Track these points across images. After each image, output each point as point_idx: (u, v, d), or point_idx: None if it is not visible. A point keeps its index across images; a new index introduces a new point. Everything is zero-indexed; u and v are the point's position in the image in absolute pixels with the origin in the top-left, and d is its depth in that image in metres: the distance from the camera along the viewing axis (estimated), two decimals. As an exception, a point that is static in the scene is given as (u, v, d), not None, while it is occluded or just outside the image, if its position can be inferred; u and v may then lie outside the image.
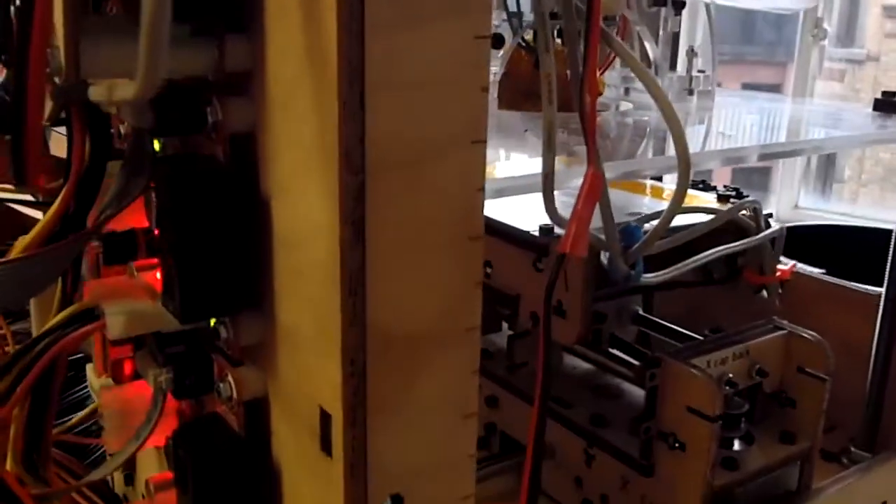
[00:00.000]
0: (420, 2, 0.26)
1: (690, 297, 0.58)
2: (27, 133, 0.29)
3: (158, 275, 0.33)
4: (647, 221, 0.46)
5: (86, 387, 0.54)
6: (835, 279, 0.61)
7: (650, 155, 0.51)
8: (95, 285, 0.36)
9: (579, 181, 0.32)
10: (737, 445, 0.49)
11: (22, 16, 0.26)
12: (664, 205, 0.42)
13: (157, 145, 0.34)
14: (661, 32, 0.69)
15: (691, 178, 0.36)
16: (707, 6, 0.71)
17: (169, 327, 0.34)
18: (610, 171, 0.34)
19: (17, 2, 0.27)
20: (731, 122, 0.65)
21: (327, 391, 0.29)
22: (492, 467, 0.53)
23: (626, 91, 0.71)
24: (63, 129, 0.34)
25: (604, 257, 0.41)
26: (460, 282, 0.30)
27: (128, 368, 0.42)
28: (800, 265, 0.58)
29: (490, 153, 0.30)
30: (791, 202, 1.49)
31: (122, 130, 0.37)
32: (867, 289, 0.59)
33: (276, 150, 0.30)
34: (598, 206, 0.33)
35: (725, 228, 0.49)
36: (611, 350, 0.53)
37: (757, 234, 0.50)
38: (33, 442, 0.37)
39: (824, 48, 1.42)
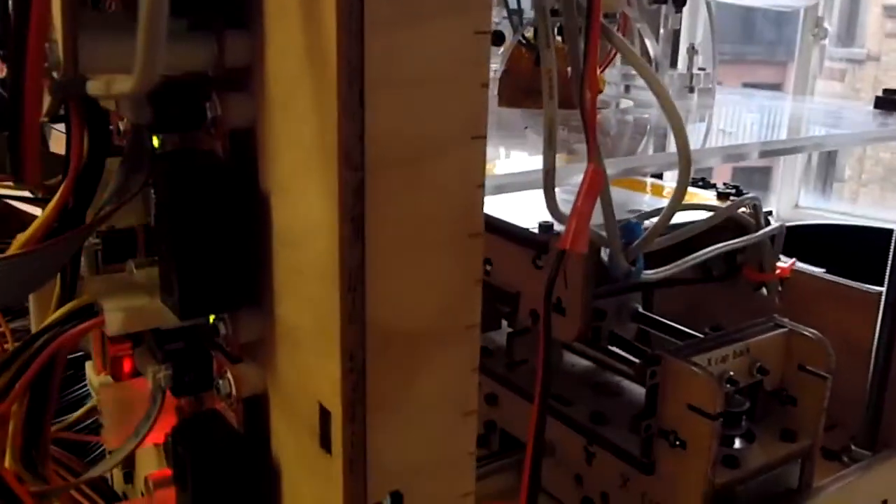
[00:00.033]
0: (420, -2, 0.26)
1: (690, 295, 0.58)
2: (25, 129, 0.29)
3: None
4: (648, 218, 0.46)
5: (85, 385, 0.54)
6: (835, 277, 0.61)
7: (651, 152, 0.51)
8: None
9: (580, 178, 0.32)
10: (737, 443, 0.49)
11: (19, 10, 0.26)
12: (664, 202, 0.42)
13: (155, 141, 0.34)
14: (661, 30, 0.69)
15: (692, 174, 0.36)
16: (707, 3, 0.71)
17: (168, 324, 0.34)
18: (610, 167, 0.34)
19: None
20: (732, 119, 0.65)
21: (327, 388, 0.29)
22: (492, 465, 0.52)
23: (627, 89, 0.71)
24: (63, 127, 0.34)
25: (604, 254, 0.41)
26: (460, 279, 0.30)
27: (127, 366, 0.42)
28: (800, 264, 0.58)
29: (490, 151, 0.29)
30: (791, 202, 1.49)
31: (122, 127, 0.37)
32: (868, 287, 0.58)
33: (275, 148, 0.30)
34: (598, 202, 0.33)
35: (725, 226, 0.49)
36: (610, 348, 0.53)
37: (757, 231, 0.50)
38: (32, 439, 0.37)
39: (825, 48, 1.42)
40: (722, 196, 0.55)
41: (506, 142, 0.50)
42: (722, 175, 1.72)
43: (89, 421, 0.54)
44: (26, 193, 0.38)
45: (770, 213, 0.52)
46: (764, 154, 0.50)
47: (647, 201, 0.57)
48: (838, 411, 0.52)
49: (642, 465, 0.47)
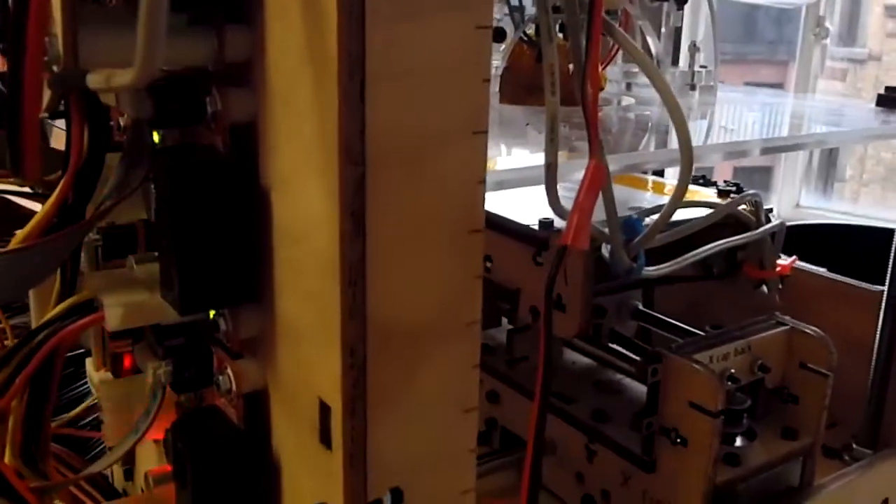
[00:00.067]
0: (421, -9, 0.26)
1: (690, 293, 0.58)
2: (24, 123, 0.29)
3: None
4: (649, 215, 0.45)
5: (86, 383, 0.54)
6: (836, 276, 0.60)
7: (652, 149, 0.51)
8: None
9: (581, 174, 0.32)
10: (739, 441, 0.49)
11: (18, 3, 0.26)
12: (665, 200, 0.42)
13: (156, 137, 0.34)
14: (663, 27, 0.69)
15: (693, 171, 0.36)
16: (709, 0, 0.71)
17: (168, 319, 0.34)
18: (612, 163, 0.34)
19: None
20: (734, 117, 0.65)
21: (327, 383, 0.29)
22: (492, 463, 0.52)
23: (628, 86, 0.71)
24: (63, 123, 0.34)
25: (605, 250, 0.41)
26: (461, 275, 0.30)
27: (127, 362, 0.42)
28: (801, 262, 0.58)
29: (491, 148, 0.29)
30: (792, 201, 1.49)
31: (122, 123, 0.37)
32: (869, 286, 0.58)
33: (276, 142, 0.30)
34: (600, 199, 0.33)
35: (726, 223, 0.49)
36: (611, 345, 0.52)
37: (757, 228, 0.50)
38: (32, 435, 0.37)
39: (826, 47, 1.42)
40: (723, 193, 0.55)
41: (507, 139, 0.49)
42: (723, 175, 1.71)
43: (90, 418, 0.54)
44: (26, 189, 0.38)
45: (771, 210, 0.52)
46: (766, 151, 0.50)
47: (649, 199, 0.57)
48: (839, 409, 0.52)
49: (643, 462, 0.47)
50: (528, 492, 0.32)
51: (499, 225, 0.49)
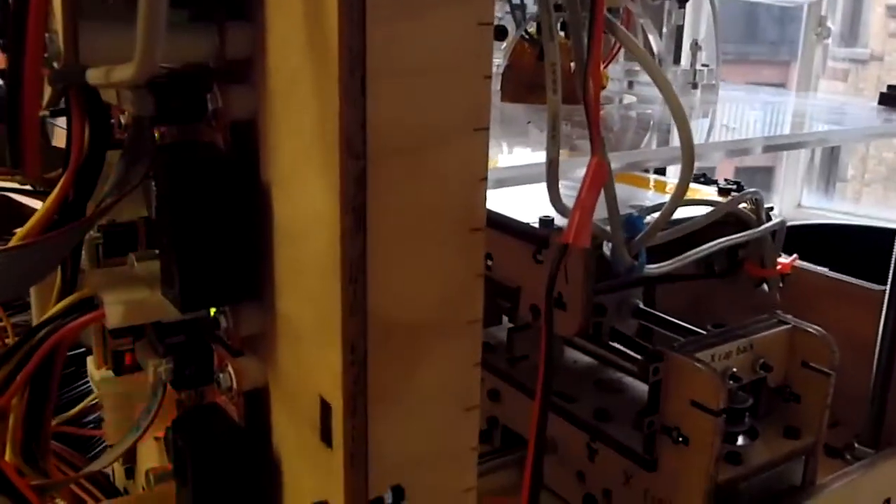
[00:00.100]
0: (422, -13, 0.26)
1: (691, 291, 0.58)
2: (24, 120, 0.29)
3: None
4: (650, 213, 0.45)
5: (87, 382, 0.54)
6: (838, 275, 0.60)
7: (654, 147, 0.51)
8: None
9: (582, 172, 0.32)
10: (741, 440, 0.49)
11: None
12: (667, 198, 0.42)
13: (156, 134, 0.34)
14: (664, 26, 0.69)
15: (694, 169, 0.36)
16: (711, -1, 0.71)
17: (169, 317, 0.34)
18: (614, 161, 0.34)
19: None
20: (735, 115, 0.65)
21: (328, 380, 0.29)
22: (494, 461, 0.52)
23: (630, 85, 0.71)
24: (64, 122, 0.33)
25: (606, 248, 0.41)
26: (462, 272, 0.30)
27: (128, 360, 0.41)
28: (802, 262, 0.58)
29: (492, 146, 0.29)
30: (794, 201, 1.49)
31: (123, 120, 0.37)
32: (871, 285, 0.58)
33: (277, 138, 0.30)
34: (601, 197, 0.33)
35: (727, 221, 0.49)
36: (612, 344, 0.52)
37: (758, 226, 0.50)
38: (32, 432, 0.37)
39: (828, 47, 1.42)
40: (723, 192, 0.55)
41: (509, 137, 0.49)
42: (724, 175, 1.71)
43: (91, 416, 0.54)
44: (27, 186, 0.38)
45: (771, 208, 0.52)
46: (767, 149, 0.50)
47: (650, 197, 0.57)
48: (842, 409, 0.52)
49: (645, 461, 0.47)
50: (530, 490, 0.32)
51: (499, 223, 0.49)
